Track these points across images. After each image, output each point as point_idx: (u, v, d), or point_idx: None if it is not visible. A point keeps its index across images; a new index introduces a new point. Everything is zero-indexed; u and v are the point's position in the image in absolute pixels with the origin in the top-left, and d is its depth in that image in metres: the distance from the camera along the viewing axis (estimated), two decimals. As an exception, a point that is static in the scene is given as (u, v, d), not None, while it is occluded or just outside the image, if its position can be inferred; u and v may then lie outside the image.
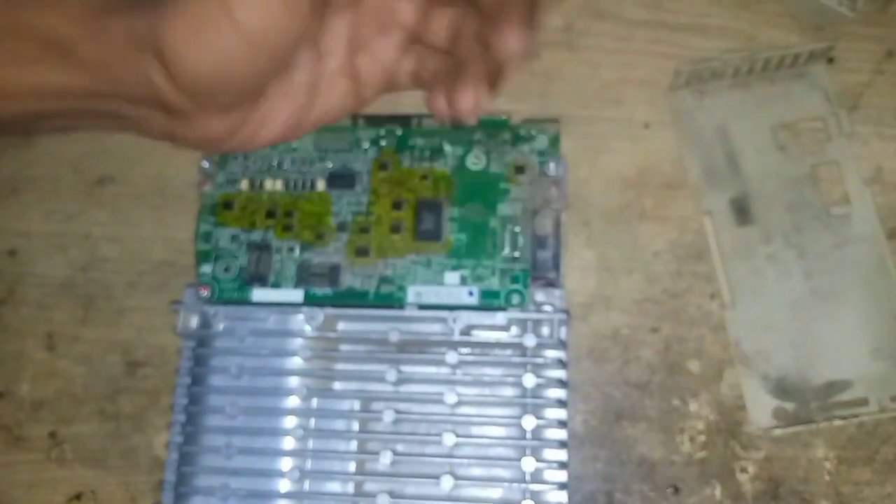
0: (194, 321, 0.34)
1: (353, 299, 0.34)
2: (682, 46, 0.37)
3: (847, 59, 0.37)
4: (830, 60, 0.37)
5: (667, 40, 0.38)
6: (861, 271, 0.34)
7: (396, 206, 0.35)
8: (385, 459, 0.32)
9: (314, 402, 0.33)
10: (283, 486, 0.32)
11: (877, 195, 0.35)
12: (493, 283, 0.33)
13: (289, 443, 0.33)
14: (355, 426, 0.33)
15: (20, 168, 0.38)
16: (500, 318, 0.33)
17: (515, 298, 0.33)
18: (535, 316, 0.33)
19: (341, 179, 0.35)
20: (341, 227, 0.35)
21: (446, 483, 0.31)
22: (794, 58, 0.36)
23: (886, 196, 0.35)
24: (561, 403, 0.32)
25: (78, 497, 0.35)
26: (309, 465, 0.32)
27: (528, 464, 0.31)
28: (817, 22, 0.37)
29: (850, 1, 0.36)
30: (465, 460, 0.32)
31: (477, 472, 0.32)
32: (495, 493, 0.32)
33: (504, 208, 0.34)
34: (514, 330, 0.33)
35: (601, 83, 0.37)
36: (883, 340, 0.33)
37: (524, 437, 0.32)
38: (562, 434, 0.32)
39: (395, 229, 0.34)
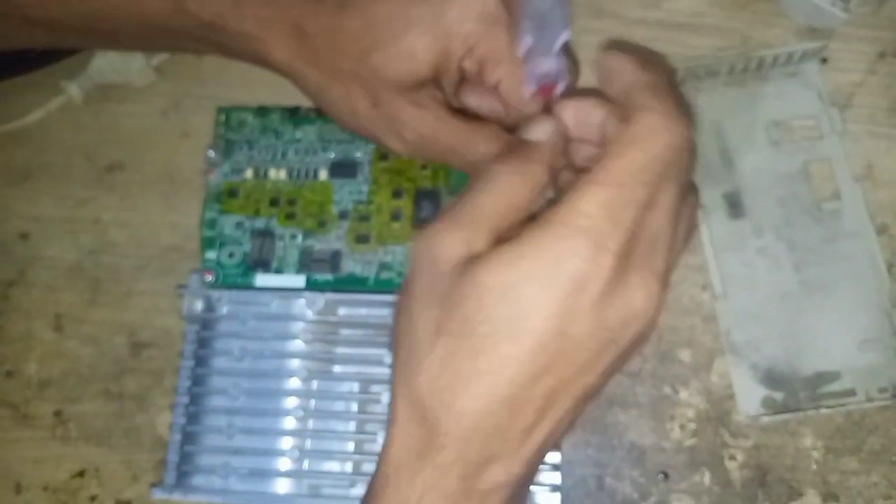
0: (199, 305, 0.35)
1: (353, 285, 0.35)
2: (679, 45, 0.38)
3: (840, 59, 0.38)
4: (824, 60, 0.38)
5: (664, 39, 0.39)
6: (850, 265, 0.35)
7: (396, 194, 0.36)
8: (382, 440, 0.32)
9: (314, 384, 0.34)
10: (284, 464, 0.33)
11: (867, 191, 0.36)
12: (490, 270, 0.34)
13: (289, 423, 0.33)
14: (354, 408, 0.34)
15: (33, 155, 0.39)
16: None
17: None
18: (530, 303, 0.33)
19: (343, 169, 0.36)
20: (343, 215, 0.36)
21: (441, 464, 0.32)
22: (787, 57, 0.37)
23: (877, 192, 0.36)
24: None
25: (81, 474, 0.36)
26: (309, 444, 0.33)
27: (521, 446, 0.32)
28: (811, 23, 0.38)
29: (844, 2, 0.37)
30: (460, 442, 0.33)
31: (471, 454, 0.33)
32: (489, 474, 0.32)
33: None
34: (510, 316, 0.34)
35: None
36: (871, 333, 0.34)
37: (518, 421, 0.32)
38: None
39: (395, 217, 0.35)
